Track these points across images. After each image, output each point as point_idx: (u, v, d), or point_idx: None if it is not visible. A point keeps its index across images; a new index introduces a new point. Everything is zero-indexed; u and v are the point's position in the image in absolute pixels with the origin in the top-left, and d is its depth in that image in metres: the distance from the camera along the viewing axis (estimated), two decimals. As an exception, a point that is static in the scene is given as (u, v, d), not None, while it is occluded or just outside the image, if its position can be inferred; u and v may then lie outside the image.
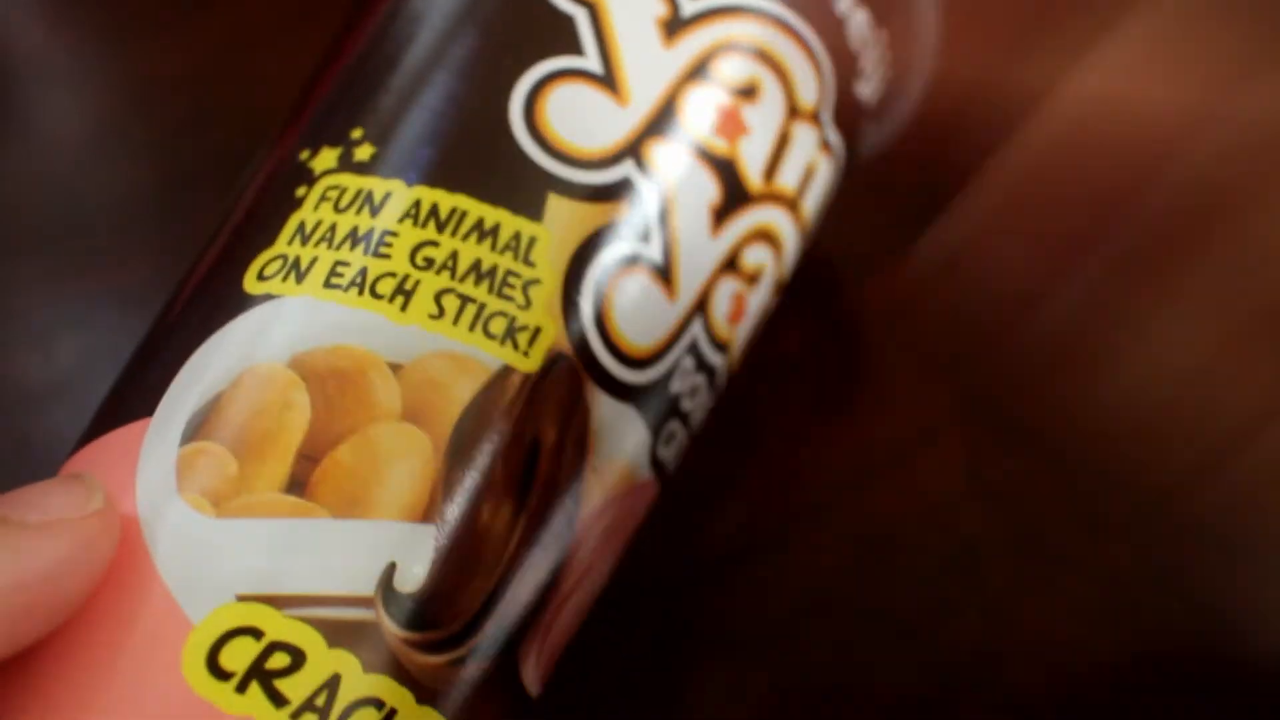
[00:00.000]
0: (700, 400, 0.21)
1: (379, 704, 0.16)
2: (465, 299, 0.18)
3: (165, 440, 0.17)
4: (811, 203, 0.22)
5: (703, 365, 0.20)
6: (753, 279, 0.21)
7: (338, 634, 0.16)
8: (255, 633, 0.16)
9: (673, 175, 0.20)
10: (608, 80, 0.20)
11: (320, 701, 0.16)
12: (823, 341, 0.27)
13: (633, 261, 0.19)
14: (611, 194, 0.19)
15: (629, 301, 0.19)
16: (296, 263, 0.18)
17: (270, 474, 0.17)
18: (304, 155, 0.20)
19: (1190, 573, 0.24)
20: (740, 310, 0.21)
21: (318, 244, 0.18)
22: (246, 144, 0.31)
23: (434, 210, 0.18)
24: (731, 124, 0.20)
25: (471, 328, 0.18)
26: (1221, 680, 0.23)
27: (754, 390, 0.26)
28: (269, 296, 0.18)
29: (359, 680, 0.16)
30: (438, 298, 0.18)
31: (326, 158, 0.19)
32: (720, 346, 0.21)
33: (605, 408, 0.18)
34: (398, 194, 0.18)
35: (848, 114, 0.22)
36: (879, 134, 0.24)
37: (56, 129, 0.32)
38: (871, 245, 0.28)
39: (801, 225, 0.22)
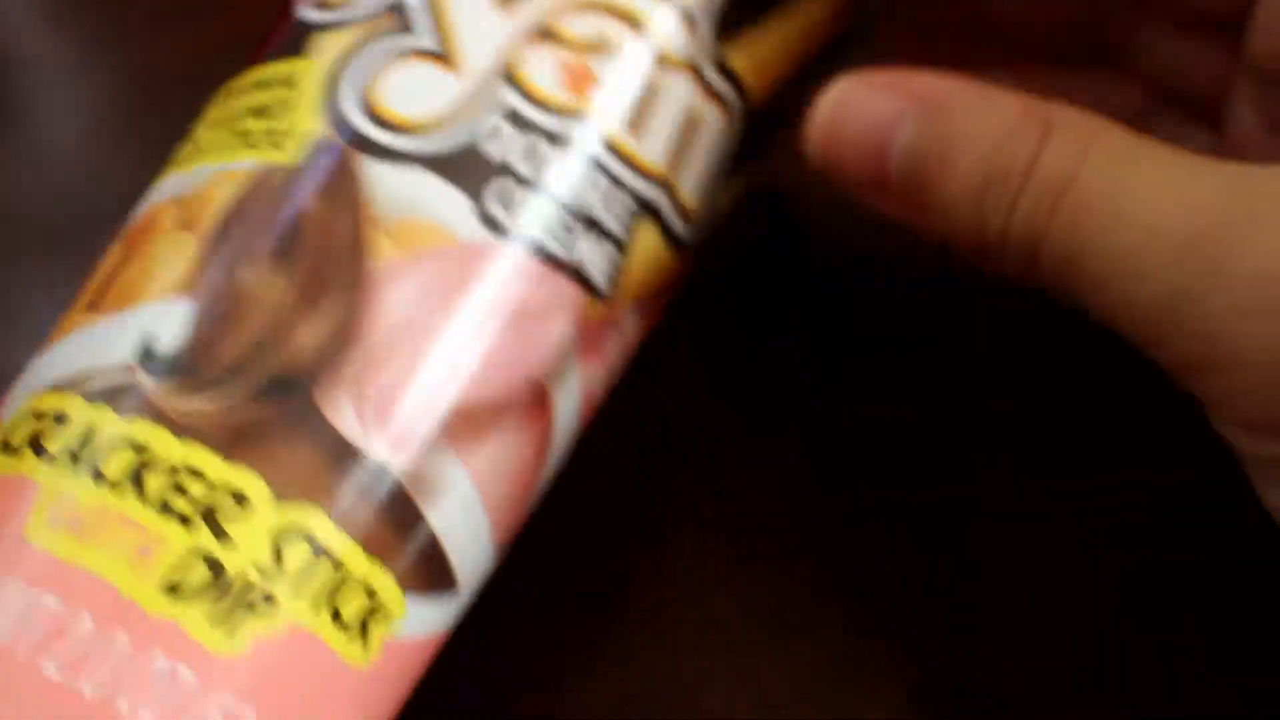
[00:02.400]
0: (547, 161, 0.21)
1: (135, 445, 0.18)
2: (240, 133, 0.21)
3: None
4: None
5: (531, 127, 0.20)
6: (592, 48, 0.21)
7: (97, 395, 0.19)
8: (36, 414, 0.19)
9: None
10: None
11: (77, 447, 0.18)
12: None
13: (397, 52, 0.21)
14: (378, 14, 0.21)
15: (398, 80, 0.20)
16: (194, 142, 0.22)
17: (79, 303, 0.21)
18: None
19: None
20: (585, 77, 0.21)
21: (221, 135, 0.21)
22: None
23: (242, 86, 0.22)
24: None
25: (240, 148, 0.20)
26: None
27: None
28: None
29: (114, 426, 0.19)
30: (219, 139, 0.21)
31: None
32: (555, 110, 0.21)
33: (388, 175, 0.20)
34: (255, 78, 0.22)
35: None
36: None
37: (56, 129, 0.32)
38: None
39: (673, 3, 0.21)
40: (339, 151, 0.20)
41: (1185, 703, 0.23)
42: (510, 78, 0.20)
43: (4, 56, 0.33)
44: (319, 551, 0.18)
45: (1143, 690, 0.23)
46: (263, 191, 0.20)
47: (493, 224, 0.20)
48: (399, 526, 0.19)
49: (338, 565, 0.19)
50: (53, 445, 0.19)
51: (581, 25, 0.21)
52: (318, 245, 0.19)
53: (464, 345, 0.20)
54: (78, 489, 0.18)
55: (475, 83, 0.20)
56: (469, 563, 0.20)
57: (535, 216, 0.20)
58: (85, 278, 0.30)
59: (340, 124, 0.20)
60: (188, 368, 0.19)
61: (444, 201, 0.20)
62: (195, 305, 0.19)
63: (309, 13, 0.21)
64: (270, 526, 0.18)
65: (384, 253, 0.19)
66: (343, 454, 0.19)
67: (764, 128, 0.23)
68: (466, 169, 0.20)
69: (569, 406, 0.21)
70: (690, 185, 0.22)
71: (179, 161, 0.21)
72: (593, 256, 0.21)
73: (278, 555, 0.18)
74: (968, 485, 0.25)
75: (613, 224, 0.21)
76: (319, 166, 0.20)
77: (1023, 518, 0.25)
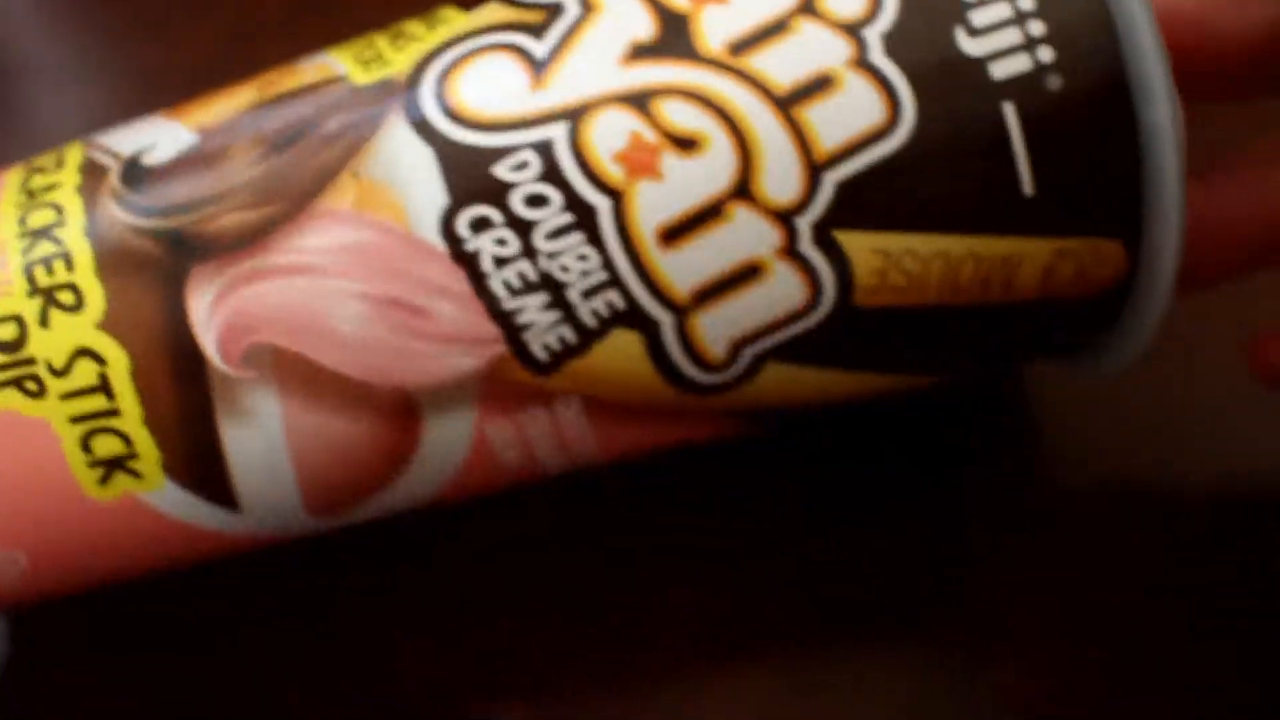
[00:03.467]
0: (556, 230, 0.19)
1: (59, 211, 0.20)
2: (372, 41, 0.21)
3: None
4: (825, 125, 0.19)
5: (557, 181, 0.19)
6: (679, 142, 0.19)
7: (88, 167, 0.21)
8: (60, 157, 0.21)
9: (605, 5, 0.20)
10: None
11: (35, 185, 0.21)
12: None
13: (515, 49, 0.20)
14: (538, 7, 0.20)
15: (487, 73, 0.20)
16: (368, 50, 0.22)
17: (193, 102, 0.22)
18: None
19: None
20: (647, 165, 0.19)
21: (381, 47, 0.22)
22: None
23: (434, 15, 0.22)
24: None
25: (352, 51, 0.21)
26: None
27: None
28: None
29: (67, 192, 0.20)
30: (361, 41, 0.22)
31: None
32: (601, 185, 0.19)
33: (402, 137, 0.20)
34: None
35: (927, 58, 0.19)
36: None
37: (57, 129, 0.32)
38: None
39: (804, 143, 0.19)
40: (388, 95, 0.20)
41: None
42: (575, 120, 0.19)
43: (4, 57, 0.34)
44: (104, 389, 0.20)
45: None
46: (318, 90, 0.20)
47: (451, 238, 0.19)
48: (188, 417, 0.20)
49: (112, 410, 0.20)
50: (34, 179, 0.21)
51: (682, 114, 0.19)
52: (303, 152, 0.20)
53: (342, 312, 0.20)
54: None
55: (540, 109, 0.19)
56: (260, 498, 0.21)
57: (497, 252, 0.19)
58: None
59: (414, 80, 0.20)
60: (143, 186, 0.20)
61: (425, 191, 0.19)
62: (193, 142, 0.20)
63: None
64: (81, 340, 0.20)
65: (341, 196, 0.20)
66: (176, 328, 0.20)
67: (896, 344, 0.21)
68: (469, 176, 0.19)
69: (445, 444, 0.21)
70: (716, 332, 0.20)
71: (343, 44, 0.23)
72: (539, 322, 0.20)
73: (69, 366, 0.20)
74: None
75: (583, 310, 0.20)
76: (366, 98, 0.20)
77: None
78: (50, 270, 0.20)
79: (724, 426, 0.22)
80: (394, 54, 0.21)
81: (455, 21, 0.21)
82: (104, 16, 0.34)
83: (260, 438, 0.20)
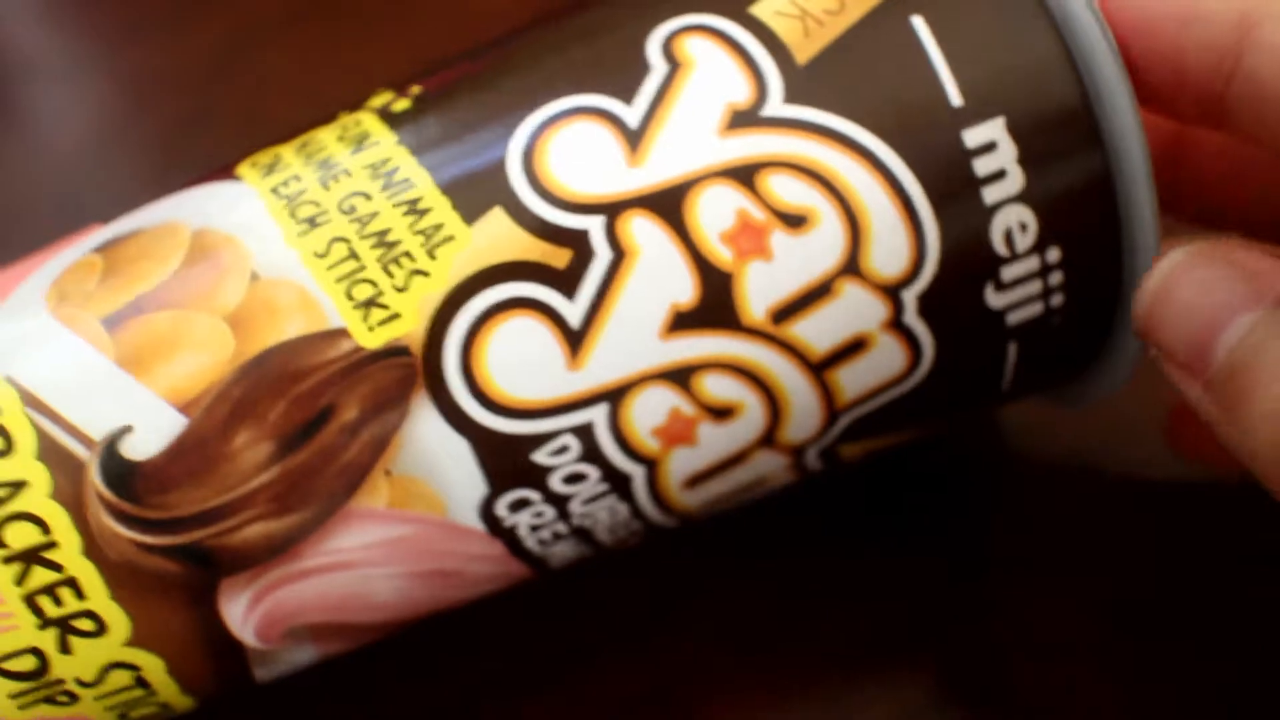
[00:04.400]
0: (591, 497, 0.19)
1: (45, 528, 0.18)
2: (353, 255, 0.18)
3: (87, 242, 0.19)
4: (852, 381, 0.20)
5: (597, 459, 0.19)
6: (716, 412, 0.19)
7: (51, 451, 0.18)
8: None
9: (640, 253, 0.18)
10: (632, 135, 0.18)
11: (1, 495, 0.18)
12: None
13: (543, 309, 0.18)
14: (559, 238, 0.18)
15: (516, 344, 0.18)
16: (276, 164, 0.19)
17: (104, 302, 0.18)
18: (377, 91, 0.21)
19: None
20: (684, 435, 0.19)
21: (303, 158, 0.19)
22: (246, 144, 0.31)
23: (393, 171, 0.19)
24: (748, 239, 0.19)
25: (339, 280, 0.18)
26: None
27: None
28: (237, 180, 0.19)
29: (40, 498, 0.18)
30: (332, 240, 0.18)
31: (380, 97, 0.20)
32: (637, 456, 0.19)
33: (431, 425, 0.18)
34: (383, 144, 0.19)
35: (957, 314, 0.19)
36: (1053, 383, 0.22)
37: (56, 129, 0.32)
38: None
39: (830, 398, 0.20)
40: (410, 376, 0.18)
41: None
42: (615, 401, 0.19)
43: (4, 57, 0.33)
44: (142, 685, 0.19)
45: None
46: (319, 354, 0.18)
47: (489, 520, 0.19)
48: (225, 683, 0.20)
49: (151, 694, 0.19)
50: None
51: (721, 386, 0.19)
52: (324, 452, 0.18)
53: (382, 590, 0.19)
54: None
55: (580, 391, 0.19)
56: None
57: (534, 522, 0.20)
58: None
59: (433, 353, 0.18)
60: (137, 492, 0.18)
61: (463, 483, 0.19)
62: (185, 428, 0.18)
63: (514, 177, 0.19)
64: (110, 658, 0.19)
65: (374, 497, 0.18)
66: (211, 633, 0.19)
67: None
68: (508, 466, 0.19)
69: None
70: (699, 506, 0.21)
71: (289, 212, 0.19)
72: (565, 554, 0.21)
73: (101, 677, 0.19)
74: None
75: (607, 540, 0.21)
76: (385, 374, 0.18)
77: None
78: (58, 601, 0.18)
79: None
80: (396, 295, 0.18)
81: (459, 243, 0.18)
82: (104, 16, 0.34)
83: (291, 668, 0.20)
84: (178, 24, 0.34)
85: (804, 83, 0.19)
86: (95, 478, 0.18)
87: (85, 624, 0.18)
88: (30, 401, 0.18)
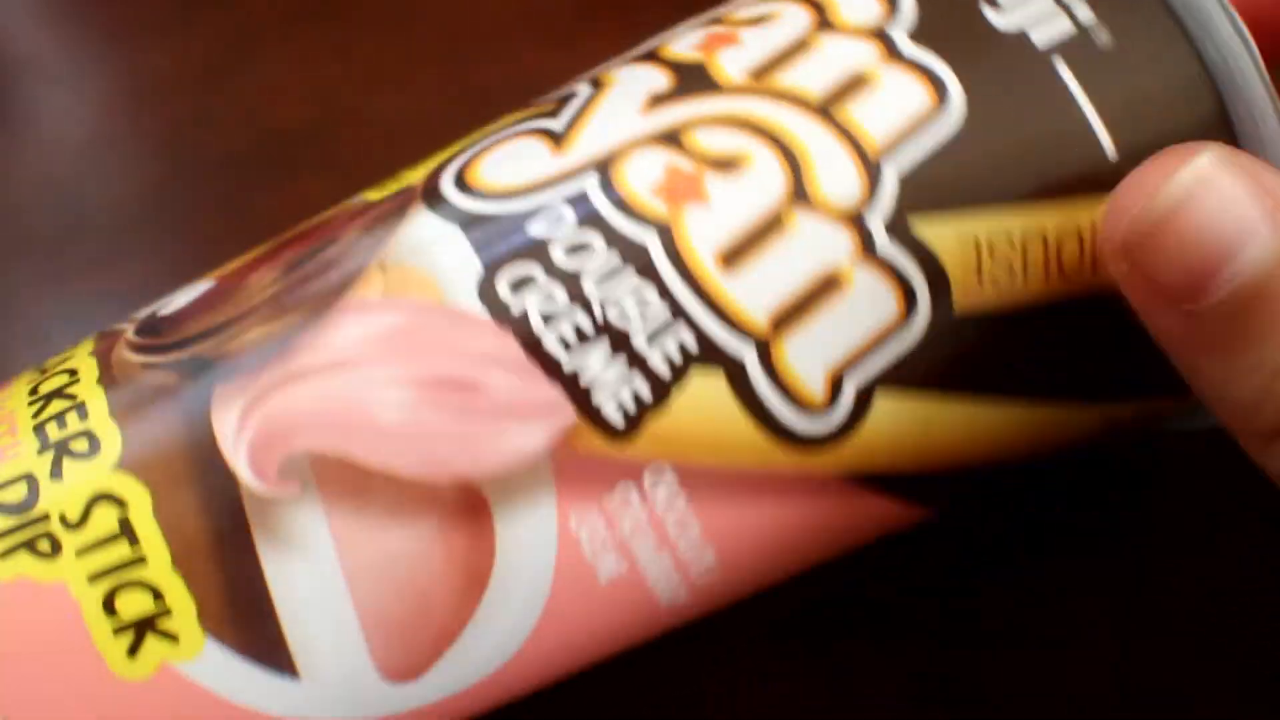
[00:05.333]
0: (605, 274, 0.18)
1: (74, 374, 0.19)
2: (390, 179, 0.20)
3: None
4: (869, 119, 0.18)
5: (599, 225, 0.18)
6: (719, 163, 0.18)
7: (103, 340, 0.19)
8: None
9: (618, 80, 0.19)
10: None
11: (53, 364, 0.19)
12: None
13: (528, 131, 0.19)
14: (551, 99, 0.20)
15: (504, 151, 0.19)
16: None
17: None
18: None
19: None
20: (691, 190, 0.18)
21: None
22: (246, 144, 0.31)
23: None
24: (719, 40, 0.19)
25: (373, 191, 0.20)
26: None
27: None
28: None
29: (81, 353, 0.19)
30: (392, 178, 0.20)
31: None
32: (644, 219, 0.18)
33: (425, 221, 0.18)
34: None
35: (962, 36, 0.18)
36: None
37: (56, 129, 0.32)
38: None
39: (854, 141, 0.18)
40: (410, 199, 0.19)
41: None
42: (605, 168, 0.18)
43: (4, 57, 0.33)
44: (126, 535, 0.17)
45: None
46: (334, 214, 0.20)
47: (491, 300, 0.18)
48: (223, 552, 0.17)
49: (137, 559, 0.17)
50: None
51: (717, 138, 0.18)
52: (324, 262, 0.18)
53: (384, 401, 0.17)
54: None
55: (566, 165, 0.18)
56: (320, 654, 0.17)
57: (545, 309, 0.18)
58: (82, 278, 0.30)
59: (432, 177, 0.19)
60: (159, 329, 0.19)
61: (455, 262, 0.18)
62: (209, 287, 0.19)
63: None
64: (97, 486, 0.17)
65: (369, 289, 0.18)
66: (202, 453, 0.17)
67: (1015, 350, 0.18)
68: (500, 240, 0.18)
69: (526, 548, 0.18)
70: (807, 362, 0.18)
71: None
72: (605, 378, 0.17)
73: (85, 515, 0.17)
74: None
75: (654, 357, 0.17)
76: (384, 205, 0.19)
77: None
78: (63, 424, 0.18)
79: (860, 510, 0.19)
80: (410, 173, 0.20)
81: (469, 137, 0.20)
82: (104, 16, 0.34)
83: (309, 568, 0.17)
84: (178, 24, 0.34)
85: None
86: (128, 332, 0.19)
87: (80, 444, 0.18)
88: (108, 333, 0.20)
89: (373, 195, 0.20)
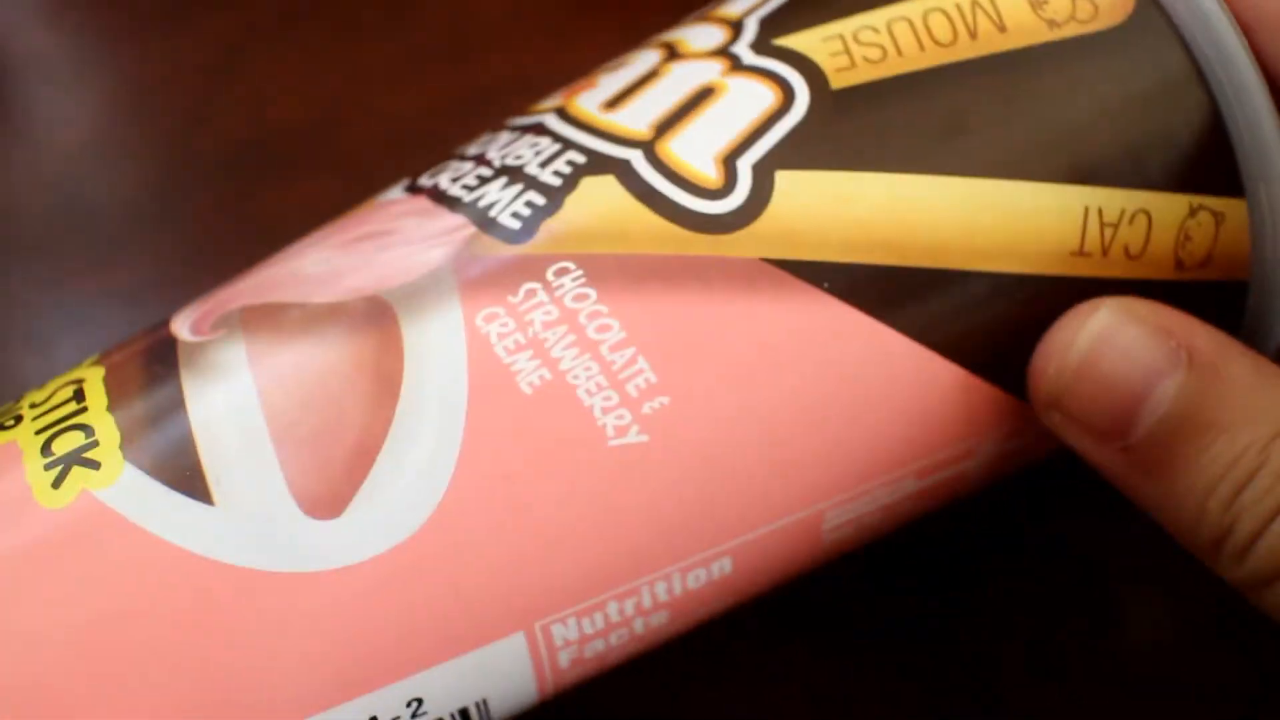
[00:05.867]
0: (502, 141, 0.19)
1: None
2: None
3: None
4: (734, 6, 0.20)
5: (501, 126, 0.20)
6: (614, 65, 0.20)
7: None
8: None
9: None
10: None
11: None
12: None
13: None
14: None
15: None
16: None
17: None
18: None
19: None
20: (582, 85, 0.20)
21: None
22: (246, 144, 0.31)
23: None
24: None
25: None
26: None
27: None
28: None
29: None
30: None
31: None
32: (572, 119, 0.19)
33: None
34: None
35: None
36: None
37: (56, 129, 0.32)
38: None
39: (717, 19, 0.20)
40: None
41: None
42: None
43: (4, 57, 0.33)
44: (76, 398, 0.18)
45: None
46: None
47: (411, 185, 0.19)
48: (153, 394, 0.17)
49: (79, 409, 0.18)
50: None
51: (625, 61, 0.20)
52: None
53: (310, 260, 0.18)
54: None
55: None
56: (234, 477, 0.17)
57: (452, 175, 0.19)
58: (81, 278, 0.30)
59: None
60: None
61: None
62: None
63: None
64: (69, 377, 0.19)
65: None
66: (155, 331, 0.19)
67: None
68: None
69: (435, 344, 0.17)
70: (694, 152, 0.18)
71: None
72: (502, 199, 0.18)
73: (50, 395, 0.18)
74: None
75: (545, 174, 0.18)
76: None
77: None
78: None
79: (802, 305, 0.18)
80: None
81: None
82: (104, 16, 0.34)
83: (225, 388, 0.17)
84: (178, 24, 0.34)
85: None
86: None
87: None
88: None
89: None
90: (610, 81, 0.19)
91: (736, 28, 0.19)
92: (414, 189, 0.19)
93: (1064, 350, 0.18)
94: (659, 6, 0.33)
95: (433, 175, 0.19)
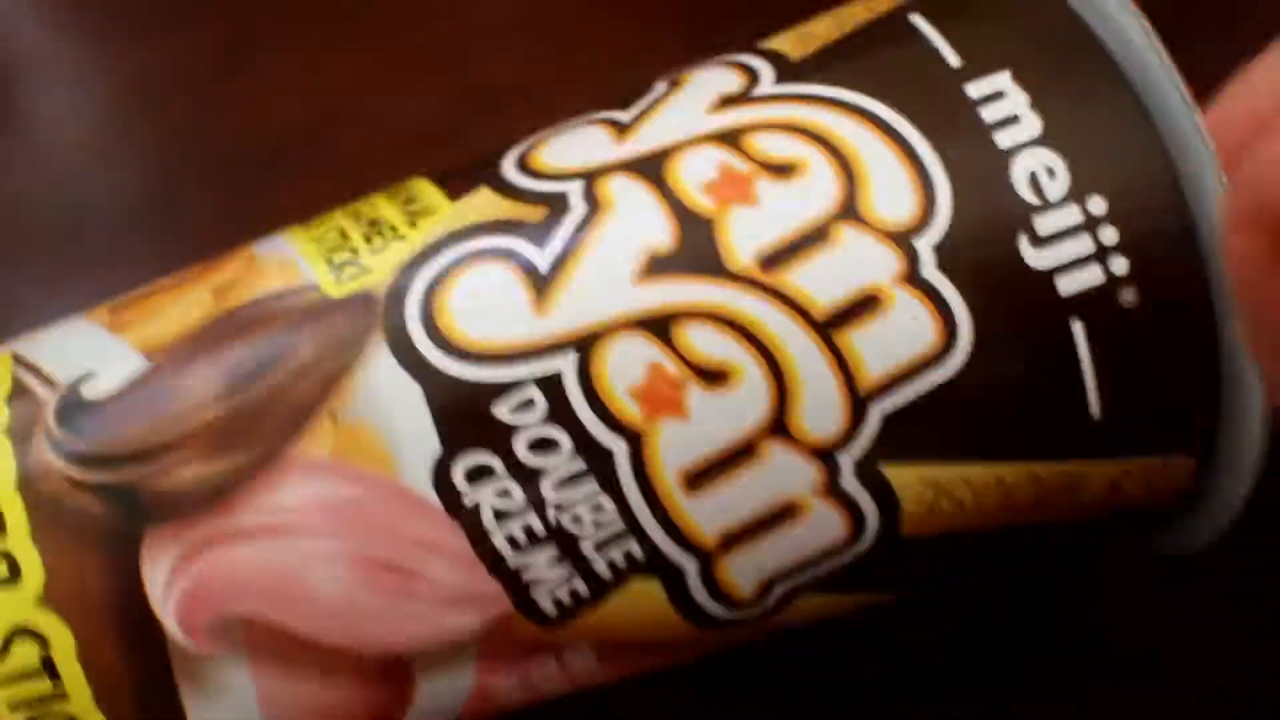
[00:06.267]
0: (566, 478, 0.17)
1: None
2: (342, 232, 0.18)
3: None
4: (871, 349, 0.17)
5: (568, 423, 0.17)
6: (706, 374, 0.17)
7: (19, 394, 0.18)
8: None
9: (615, 205, 0.17)
10: (616, 120, 0.19)
11: None
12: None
13: (512, 256, 0.17)
14: (537, 199, 0.18)
15: (480, 288, 0.17)
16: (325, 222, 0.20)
17: (130, 302, 0.19)
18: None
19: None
20: (671, 401, 0.17)
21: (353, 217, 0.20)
22: (246, 144, 0.31)
23: (409, 194, 0.19)
24: (731, 188, 0.17)
25: (320, 245, 0.18)
26: None
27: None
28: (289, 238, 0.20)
29: (1, 442, 0.17)
30: (330, 229, 0.19)
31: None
32: (617, 425, 0.17)
33: (383, 368, 0.17)
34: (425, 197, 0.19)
35: (990, 271, 0.17)
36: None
37: (57, 129, 0.32)
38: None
39: (846, 370, 0.17)
40: (368, 316, 0.17)
41: None
42: (585, 353, 0.17)
43: (4, 57, 0.33)
44: (49, 672, 0.17)
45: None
46: (285, 302, 0.18)
47: (446, 490, 0.17)
48: (148, 698, 0.17)
49: (58, 694, 0.17)
50: None
51: (709, 341, 0.17)
52: (271, 391, 0.17)
53: (322, 576, 0.17)
54: None
55: (545, 336, 0.17)
56: None
57: (499, 505, 0.17)
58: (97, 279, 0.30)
59: (396, 296, 0.17)
60: (84, 427, 0.17)
61: (414, 436, 0.17)
62: (145, 369, 0.18)
63: (506, 166, 0.19)
64: (18, 618, 0.17)
65: (318, 443, 0.17)
66: (128, 601, 0.17)
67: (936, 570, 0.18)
68: (465, 418, 0.17)
69: (440, 699, 0.18)
70: (746, 572, 0.18)
71: (305, 226, 0.19)
72: (547, 578, 0.17)
73: (6, 646, 0.17)
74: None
75: (599, 563, 0.17)
76: (346, 317, 0.17)
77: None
78: None
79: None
80: (370, 256, 0.18)
81: (439, 213, 0.18)
82: (104, 17, 0.34)
83: (230, 715, 0.17)
84: (179, 25, 0.34)
85: (796, 71, 0.18)
86: (49, 415, 0.17)
87: (0, 567, 0.17)
88: (18, 360, 0.18)
89: (329, 285, 0.18)
90: (704, 435, 0.17)
91: (858, 418, 0.17)
92: (449, 496, 0.17)
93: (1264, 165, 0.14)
94: (656, 9, 0.33)
95: (472, 472, 0.17)
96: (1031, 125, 0.17)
